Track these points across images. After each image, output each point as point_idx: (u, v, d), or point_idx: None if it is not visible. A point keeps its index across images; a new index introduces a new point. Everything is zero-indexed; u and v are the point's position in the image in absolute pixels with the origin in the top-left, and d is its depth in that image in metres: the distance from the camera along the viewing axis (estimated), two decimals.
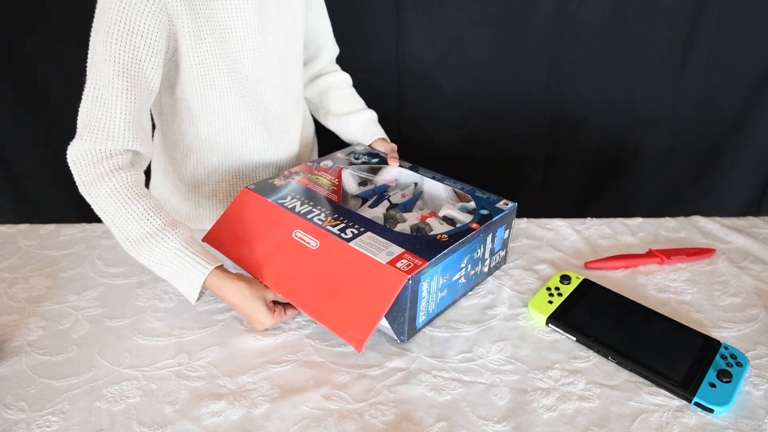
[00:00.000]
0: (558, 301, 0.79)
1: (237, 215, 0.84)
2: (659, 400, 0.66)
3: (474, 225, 0.76)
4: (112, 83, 0.75)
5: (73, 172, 0.77)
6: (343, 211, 0.79)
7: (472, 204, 0.84)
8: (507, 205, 0.82)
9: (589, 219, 1.03)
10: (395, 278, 0.66)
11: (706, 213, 1.04)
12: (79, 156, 0.76)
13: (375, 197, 0.92)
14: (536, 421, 0.63)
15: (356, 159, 0.98)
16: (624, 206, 1.69)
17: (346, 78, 1.15)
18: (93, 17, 0.76)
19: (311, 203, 0.81)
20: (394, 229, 0.78)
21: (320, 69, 1.13)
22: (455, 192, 0.88)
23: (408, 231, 0.81)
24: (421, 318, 0.73)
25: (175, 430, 0.63)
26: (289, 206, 0.80)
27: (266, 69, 0.91)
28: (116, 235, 0.77)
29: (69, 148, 0.77)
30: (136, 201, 0.75)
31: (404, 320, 0.70)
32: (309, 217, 0.77)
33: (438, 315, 0.78)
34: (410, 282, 0.66)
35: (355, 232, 0.74)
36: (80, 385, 0.68)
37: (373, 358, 0.72)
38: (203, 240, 0.86)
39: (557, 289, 0.82)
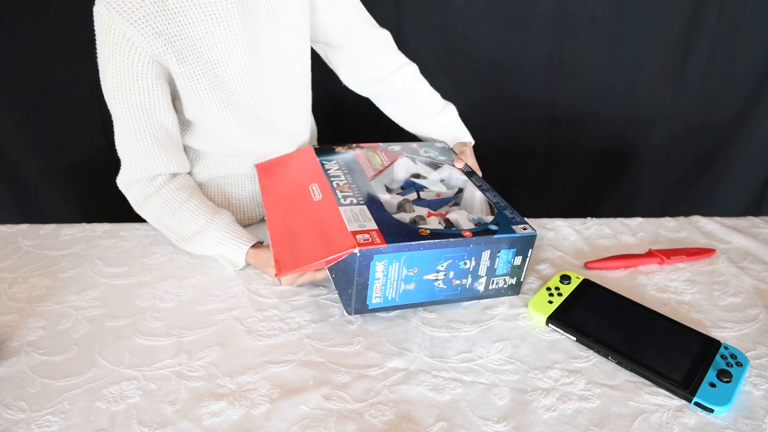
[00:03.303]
0: (558, 301, 0.79)
1: (287, 159, 0.95)
2: (659, 400, 0.66)
3: (466, 233, 0.74)
4: (130, 131, 0.82)
5: (126, 195, 0.90)
6: (363, 186, 0.83)
7: (489, 218, 0.82)
8: (525, 230, 0.77)
9: (589, 219, 1.03)
10: (346, 243, 0.69)
11: (706, 213, 1.04)
12: (127, 182, 0.88)
13: (409, 187, 0.93)
14: (536, 421, 0.63)
15: (425, 153, 0.99)
16: (624, 206, 1.69)
17: (410, 74, 1.06)
18: (93, 17, 0.76)
19: (345, 171, 0.87)
20: (394, 215, 0.78)
21: (367, 63, 1.04)
22: (489, 204, 0.86)
23: (406, 220, 0.81)
24: (375, 299, 0.74)
25: (175, 430, 0.63)
26: (326, 167, 0.87)
27: (264, 91, 0.90)
28: (171, 238, 0.90)
29: (118, 177, 0.89)
30: (181, 206, 0.88)
31: (352, 293, 0.72)
32: (332, 179, 0.84)
33: (404, 308, 0.77)
34: (358, 255, 0.68)
35: (354, 201, 0.78)
36: (80, 385, 0.68)
37: (373, 358, 0.72)
38: (257, 166, 0.96)
39: (557, 289, 0.82)
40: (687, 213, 1.04)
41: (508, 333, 0.76)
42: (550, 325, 0.77)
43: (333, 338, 0.76)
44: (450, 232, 0.74)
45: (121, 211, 0.95)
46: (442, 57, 1.50)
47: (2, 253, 0.95)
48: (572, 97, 1.55)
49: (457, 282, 0.77)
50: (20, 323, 0.79)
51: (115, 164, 0.88)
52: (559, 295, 0.80)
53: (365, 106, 1.13)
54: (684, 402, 0.65)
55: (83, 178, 1.55)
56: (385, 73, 1.05)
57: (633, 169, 1.65)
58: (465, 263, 0.75)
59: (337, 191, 0.80)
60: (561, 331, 0.75)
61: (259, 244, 0.89)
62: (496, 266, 0.78)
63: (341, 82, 1.10)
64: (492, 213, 0.85)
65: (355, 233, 0.70)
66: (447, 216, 0.84)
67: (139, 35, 0.74)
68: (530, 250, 0.79)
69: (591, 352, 0.73)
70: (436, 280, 0.75)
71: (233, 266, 0.89)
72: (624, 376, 0.69)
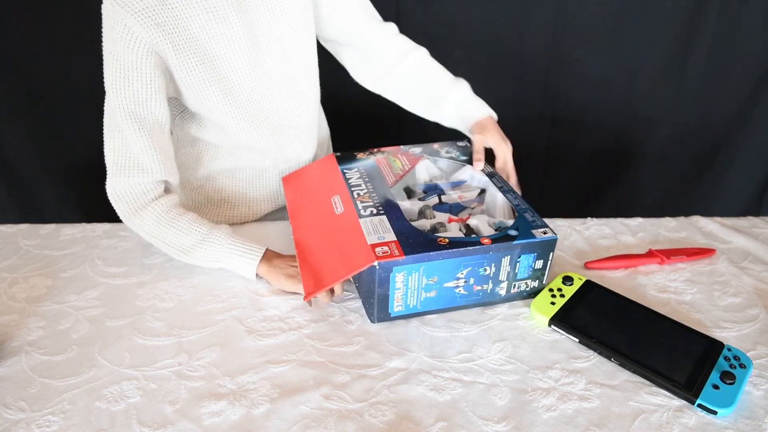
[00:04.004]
0: (560, 302, 0.79)
1: (311, 169, 0.97)
2: (659, 400, 0.66)
3: (485, 240, 0.74)
4: (126, 126, 0.81)
5: (114, 206, 0.86)
6: (383, 193, 0.84)
7: (510, 222, 0.81)
8: (545, 234, 0.77)
9: (589, 219, 1.03)
10: (365, 257, 0.71)
11: (706, 213, 1.04)
12: (118, 192, 0.84)
13: (431, 190, 0.92)
14: (536, 421, 0.63)
15: (447, 153, 0.99)
16: (624, 206, 1.69)
17: (418, 57, 1.05)
18: (94, 17, 0.77)
19: (366, 179, 0.88)
20: (415, 222, 0.80)
21: (373, 58, 1.03)
22: (512, 208, 0.85)
23: (427, 227, 0.81)
24: (397, 308, 0.75)
25: (175, 430, 0.63)
26: (347, 176, 0.89)
27: (266, 85, 0.90)
28: (167, 251, 0.86)
29: (107, 185, 0.85)
30: (179, 219, 0.85)
31: (374, 302, 0.74)
32: (353, 189, 0.85)
33: (426, 314, 0.78)
34: (378, 268, 0.69)
35: (374, 211, 0.79)
36: (80, 385, 0.68)
37: (373, 358, 0.72)
38: (283, 179, 0.97)
39: (559, 290, 0.81)
40: (687, 213, 1.04)
41: (508, 333, 0.76)
42: (552, 326, 0.76)
43: (333, 338, 0.76)
44: (468, 240, 0.74)
45: None
46: (441, 56, 1.50)
47: (2, 253, 0.95)
48: (572, 97, 1.55)
49: (478, 288, 0.77)
50: (20, 323, 0.79)
51: None
52: (562, 296, 0.80)
53: (366, 106, 1.13)
54: (684, 402, 0.65)
55: (83, 178, 1.55)
56: (392, 60, 1.04)
57: (633, 169, 1.65)
58: (485, 270, 0.76)
59: (358, 202, 0.81)
60: (564, 333, 0.75)
61: (269, 252, 0.86)
62: (517, 271, 0.78)
63: (343, 82, 1.10)
64: (514, 215, 0.84)
65: (374, 246, 0.71)
66: (467, 222, 0.83)
67: (138, 25, 0.76)
68: (551, 253, 0.79)
69: (591, 352, 0.73)
70: (457, 287, 0.76)
71: (248, 274, 0.86)
72: (624, 376, 0.69)
